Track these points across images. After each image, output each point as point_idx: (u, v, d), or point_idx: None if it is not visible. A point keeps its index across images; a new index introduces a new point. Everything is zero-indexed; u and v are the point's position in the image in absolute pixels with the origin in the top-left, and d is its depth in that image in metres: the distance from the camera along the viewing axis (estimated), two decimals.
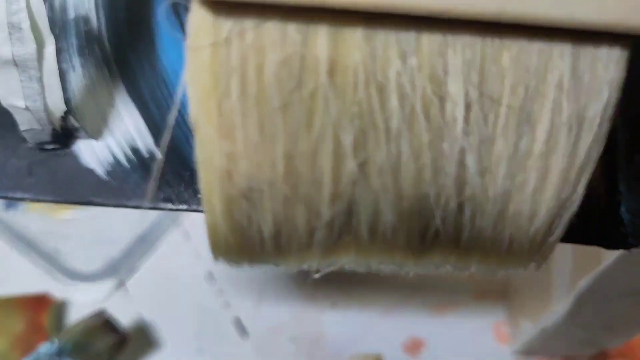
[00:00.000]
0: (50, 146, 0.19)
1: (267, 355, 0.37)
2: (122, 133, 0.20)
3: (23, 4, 0.16)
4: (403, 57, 0.10)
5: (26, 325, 0.35)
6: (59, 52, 0.19)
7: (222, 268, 0.40)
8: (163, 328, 0.38)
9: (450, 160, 0.11)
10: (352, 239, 0.12)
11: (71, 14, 0.21)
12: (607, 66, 0.11)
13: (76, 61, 0.21)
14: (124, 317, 0.36)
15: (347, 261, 0.12)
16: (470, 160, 0.11)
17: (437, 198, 0.11)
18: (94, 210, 0.41)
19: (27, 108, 0.17)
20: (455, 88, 0.10)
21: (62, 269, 0.38)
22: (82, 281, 0.38)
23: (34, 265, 0.39)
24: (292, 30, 0.10)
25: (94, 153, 0.19)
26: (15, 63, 0.17)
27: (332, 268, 0.13)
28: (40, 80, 0.17)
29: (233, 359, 0.37)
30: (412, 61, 0.10)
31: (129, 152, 0.19)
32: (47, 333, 0.35)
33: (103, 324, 0.33)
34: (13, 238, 0.39)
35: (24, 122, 0.18)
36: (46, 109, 0.18)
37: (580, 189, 0.12)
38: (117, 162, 0.19)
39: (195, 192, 0.19)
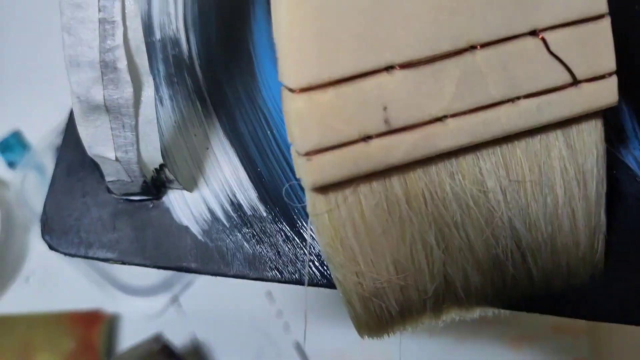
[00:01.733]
0: (137, 197, 0.16)
1: None
2: (219, 183, 0.16)
3: (120, 39, 0.13)
4: (451, 175, 0.15)
5: (77, 344, 0.33)
6: None
7: (280, 288, 0.37)
8: (218, 349, 0.36)
9: (504, 227, 0.15)
10: (454, 300, 0.16)
11: (157, 34, 0.18)
12: (590, 132, 0.15)
13: (164, 92, 0.18)
14: (177, 336, 0.34)
15: (454, 315, 0.17)
16: (518, 223, 0.15)
17: (504, 254, 0.16)
18: None
19: (117, 159, 0.15)
20: (491, 183, 0.15)
21: (115, 282, 0.36)
22: (135, 295, 0.36)
23: (87, 278, 0.37)
24: (375, 185, 0.15)
25: (187, 207, 0.16)
26: (106, 109, 0.14)
27: (444, 323, 0.17)
28: (134, 128, 0.14)
29: None
30: (458, 176, 0.15)
31: (228, 207, 0.16)
32: (97, 352, 0.33)
33: (161, 350, 0.31)
34: None
35: (111, 174, 0.15)
36: (139, 161, 0.15)
37: (603, 215, 0.16)
38: (214, 218, 0.16)
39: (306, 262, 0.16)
